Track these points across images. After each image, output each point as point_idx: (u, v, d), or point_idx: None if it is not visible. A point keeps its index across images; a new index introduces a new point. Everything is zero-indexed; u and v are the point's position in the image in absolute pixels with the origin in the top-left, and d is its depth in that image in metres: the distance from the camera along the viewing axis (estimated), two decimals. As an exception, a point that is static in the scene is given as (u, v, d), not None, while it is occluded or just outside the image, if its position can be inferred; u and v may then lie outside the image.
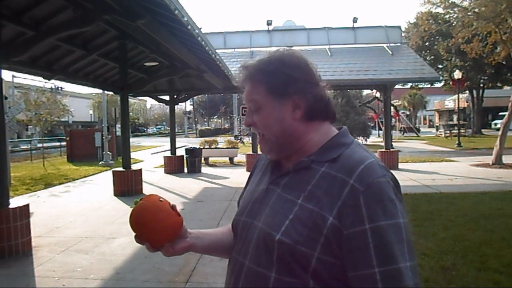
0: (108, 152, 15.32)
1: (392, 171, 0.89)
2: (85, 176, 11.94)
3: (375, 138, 26.28)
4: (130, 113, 22.40)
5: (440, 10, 15.28)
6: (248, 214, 0.97)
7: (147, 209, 0.94)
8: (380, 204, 0.80)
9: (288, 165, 0.95)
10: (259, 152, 10.77)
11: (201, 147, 13.94)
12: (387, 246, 0.77)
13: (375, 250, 0.77)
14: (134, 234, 0.95)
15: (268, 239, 0.86)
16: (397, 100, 43.24)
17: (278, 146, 0.95)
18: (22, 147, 24.85)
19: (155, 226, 0.93)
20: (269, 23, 14.62)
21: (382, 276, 0.76)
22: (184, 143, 24.44)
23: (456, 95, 23.48)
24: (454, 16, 15.28)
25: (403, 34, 17.08)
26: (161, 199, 0.97)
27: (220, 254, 1.09)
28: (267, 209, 0.92)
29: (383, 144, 13.02)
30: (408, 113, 45.06)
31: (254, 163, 1.16)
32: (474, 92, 34.05)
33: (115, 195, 8.38)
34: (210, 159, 14.98)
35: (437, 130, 37.92)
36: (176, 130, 16.47)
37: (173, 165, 12.37)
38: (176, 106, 14.30)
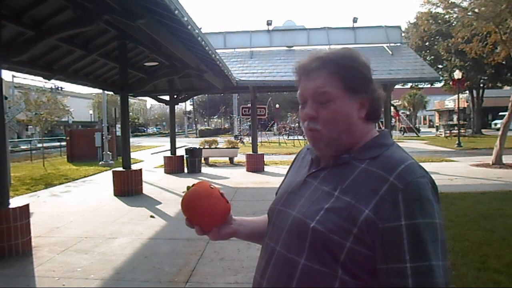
0: (108, 152, 15.32)
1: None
2: (85, 176, 11.94)
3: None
4: (130, 113, 22.38)
5: (440, 10, 15.30)
6: (283, 203, 1.01)
7: (199, 194, 1.00)
8: (418, 203, 0.81)
9: (328, 160, 0.97)
10: (259, 152, 10.77)
11: (201, 147, 13.92)
12: (421, 243, 0.79)
13: (409, 246, 0.79)
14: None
15: (302, 226, 0.89)
16: (397, 100, 43.26)
17: (338, 143, 0.93)
18: (22, 147, 24.83)
19: (206, 211, 0.99)
20: (269, 23, 14.60)
21: (413, 271, 0.78)
22: (184, 143, 24.44)
23: (456, 95, 23.48)
24: (454, 16, 15.29)
25: (403, 34, 17.06)
26: (211, 186, 1.02)
27: (261, 241, 1.12)
28: (303, 199, 0.95)
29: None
30: (408, 113, 45.05)
31: (295, 156, 1.20)
32: (474, 92, 34.04)
33: (115, 195, 8.37)
34: (210, 159, 14.97)
35: (437, 130, 37.93)
36: (176, 130, 16.47)
37: (173, 165, 12.37)
38: (176, 106, 14.29)
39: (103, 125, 16.92)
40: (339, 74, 0.92)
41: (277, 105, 42.47)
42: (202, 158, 13.46)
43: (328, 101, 0.92)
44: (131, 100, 42.35)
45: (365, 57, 0.97)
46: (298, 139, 26.86)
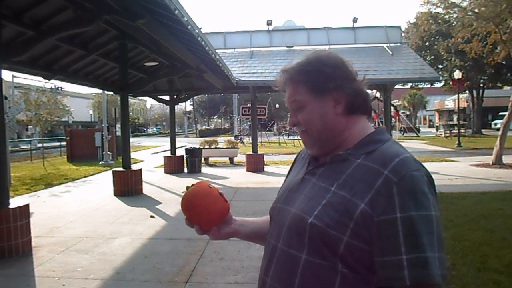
0: (108, 152, 15.32)
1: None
2: (85, 176, 11.94)
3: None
4: (130, 113, 22.39)
5: (440, 10, 15.29)
6: (283, 201, 1.03)
7: (198, 194, 1.02)
8: (412, 196, 0.82)
9: (326, 158, 0.99)
10: (259, 152, 10.78)
11: (201, 147, 13.93)
12: (416, 235, 0.80)
13: (404, 238, 0.80)
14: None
15: (301, 222, 0.91)
16: (397, 100, 43.26)
17: (320, 141, 0.99)
18: (22, 147, 24.83)
19: (204, 210, 1.01)
20: (269, 23, 14.60)
21: (409, 263, 0.79)
22: (184, 143, 24.44)
23: (456, 95, 23.48)
24: (454, 16, 15.29)
25: (403, 34, 17.06)
26: (210, 185, 1.04)
27: (261, 241, 1.13)
28: (302, 196, 0.97)
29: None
30: (408, 113, 45.06)
31: (295, 156, 1.23)
32: (474, 92, 34.06)
33: (115, 195, 8.37)
34: (210, 159, 14.97)
35: (437, 130, 37.93)
36: (176, 130, 16.46)
37: (173, 165, 12.37)
38: (176, 106, 14.30)
39: (103, 125, 16.92)
40: (301, 81, 0.97)
41: (277, 105, 42.48)
42: (202, 158, 13.46)
43: (300, 107, 0.99)
44: (131, 100, 42.30)
45: (335, 56, 0.98)
46: (298, 139, 26.87)
